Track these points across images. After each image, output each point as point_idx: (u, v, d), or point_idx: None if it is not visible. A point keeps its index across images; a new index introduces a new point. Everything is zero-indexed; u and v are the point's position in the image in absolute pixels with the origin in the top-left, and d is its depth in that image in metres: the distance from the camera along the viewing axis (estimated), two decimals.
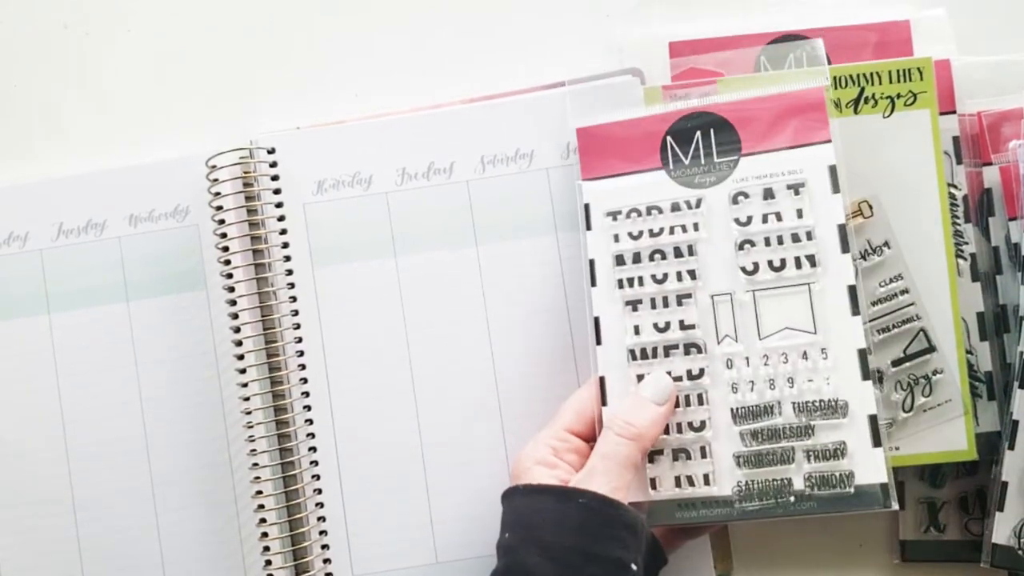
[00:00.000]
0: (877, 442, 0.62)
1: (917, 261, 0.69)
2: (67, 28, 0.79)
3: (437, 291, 0.73)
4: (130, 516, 0.73)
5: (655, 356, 0.66)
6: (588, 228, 0.67)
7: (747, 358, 0.65)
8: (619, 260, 0.67)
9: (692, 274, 0.66)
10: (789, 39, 0.73)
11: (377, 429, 0.73)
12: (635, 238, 0.67)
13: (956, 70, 0.72)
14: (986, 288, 0.71)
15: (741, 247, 0.66)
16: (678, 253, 0.66)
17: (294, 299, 0.73)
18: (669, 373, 0.65)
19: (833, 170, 0.65)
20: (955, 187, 0.71)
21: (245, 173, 0.73)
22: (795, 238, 0.65)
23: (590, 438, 0.65)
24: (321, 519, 0.72)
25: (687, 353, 0.65)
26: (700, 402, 0.65)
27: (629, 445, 0.63)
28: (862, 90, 0.70)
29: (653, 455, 0.65)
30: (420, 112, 0.75)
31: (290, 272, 0.73)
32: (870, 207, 0.69)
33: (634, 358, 0.66)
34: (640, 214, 0.67)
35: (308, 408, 0.72)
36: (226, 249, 0.72)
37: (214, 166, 0.72)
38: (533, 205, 0.73)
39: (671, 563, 0.69)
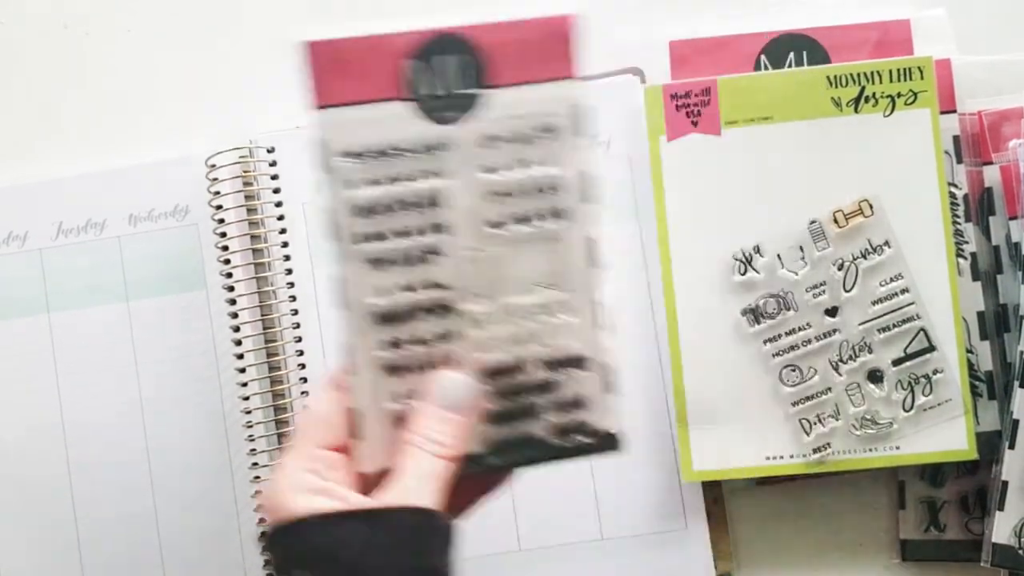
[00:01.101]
0: (612, 392, 0.62)
1: (917, 260, 0.69)
2: (67, 28, 0.79)
3: None
4: (130, 516, 0.73)
5: (403, 320, 0.60)
6: (321, 168, 0.59)
7: (496, 316, 0.61)
8: (359, 211, 0.59)
9: (438, 228, 0.60)
10: (789, 38, 0.73)
11: None
12: (374, 185, 0.60)
13: (956, 69, 0.72)
14: (987, 287, 0.71)
15: (487, 198, 0.60)
16: (422, 204, 0.60)
17: (294, 299, 0.73)
18: (418, 337, 0.60)
19: (578, 110, 0.60)
20: (955, 186, 0.71)
21: (245, 172, 0.73)
22: (541, 189, 0.60)
23: (346, 445, 0.59)
24: None
25: (437, 314, 0.60)
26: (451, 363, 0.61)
27: (440, 466, 0.58)
28: (862, 89, 0.70)
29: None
30: None
31: (290, 272, 0.73)
32: (870, 206, 0.69)
33: (380, 322, 0.60)
34: (385, 155, 0.60)
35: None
36: (226, 248, 0.72)
37: (213, 165, 0.72)
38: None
39: (671, 563, 0.70)
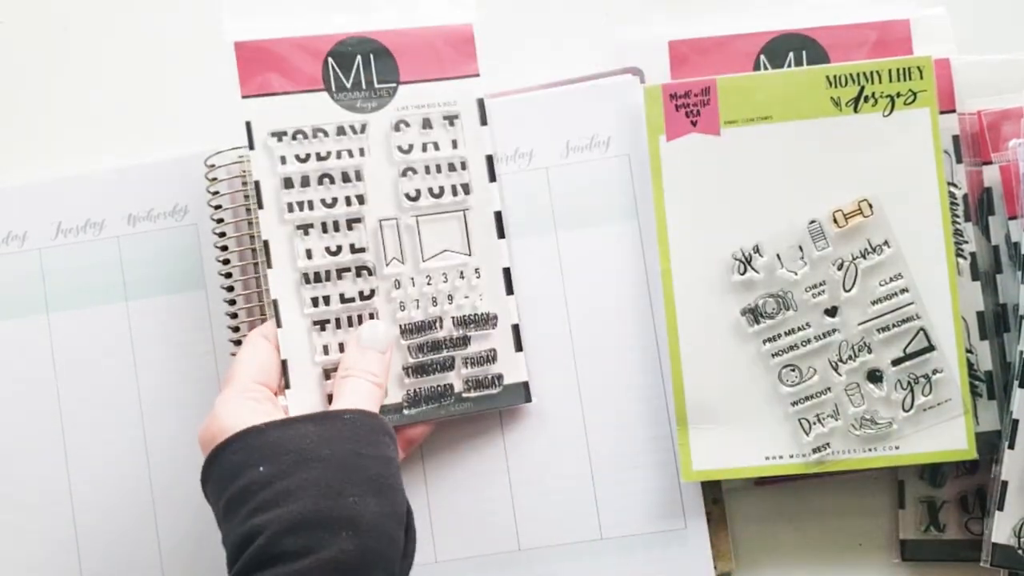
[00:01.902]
0: (519, 347, 0.70)
1: (917, 260, 0.69)
2: (67, 31, 0.79)
3: None
4: (129, 516, 0.73)
5: (328, 279, 0.69)
6: (251, 147, 0.69)
7: (412, 278, 0.69)
8: (287, 183, 0.69)
9: (360, 199, 0.69)
10: (789, 37, 0.73)
11: None
12: (302, 161, 0.69)
13: (956, 69, 0.72)
14: (986, 287, 0.71)
15: (404, 174, 0.70)
16: (346, 178, 0.69)
17: None
18: (342, 295, 0.69)
19: (481, 103, 0.71)
20: (955, 186, 0.71)
21: (243, 172, 0.73)
22: (451, 167, 0.70)
23: (275, 387, 0.67)
24: None
25: (358, 275, 0.69)
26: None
27: (375, 389, 0.67)
28: (862, 89, 0.70)
29: (330, 373, 0.68)
30: None
31: None
32: (870, 206, 0.69)
33: (307, 282, 0.69)
34: (306, 136, 0.69)
35: None
36: (224, 249, 0.72)
37: (212, 165, 0.72)
38: (532, 204, 0.73)
39: (671, 563, 0.69)
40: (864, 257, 0.69)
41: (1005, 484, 0.68)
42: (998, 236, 0.71)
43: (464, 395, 0.70)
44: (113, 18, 0.79)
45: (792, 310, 0.70)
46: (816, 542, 0.74)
